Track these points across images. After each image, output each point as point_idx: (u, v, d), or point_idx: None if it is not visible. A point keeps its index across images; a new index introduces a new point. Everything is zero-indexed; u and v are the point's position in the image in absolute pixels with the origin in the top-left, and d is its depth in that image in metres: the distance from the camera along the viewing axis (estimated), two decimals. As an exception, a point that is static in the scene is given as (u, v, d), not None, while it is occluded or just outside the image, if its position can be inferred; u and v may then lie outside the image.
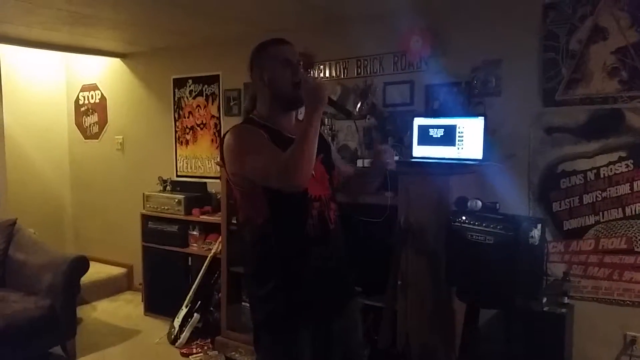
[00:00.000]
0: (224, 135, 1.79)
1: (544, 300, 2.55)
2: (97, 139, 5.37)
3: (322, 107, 1.63)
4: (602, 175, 2.77)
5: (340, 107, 1.91)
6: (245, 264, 1.97)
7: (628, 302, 2.73)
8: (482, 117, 2.86)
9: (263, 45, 1.84)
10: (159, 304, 4.40)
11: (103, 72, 5.26)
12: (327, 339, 1.85)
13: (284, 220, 1.75)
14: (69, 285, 3.59)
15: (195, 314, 3.93)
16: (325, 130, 3.50)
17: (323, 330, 1.84)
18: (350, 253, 1.94)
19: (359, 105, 3.54)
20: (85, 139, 5.49)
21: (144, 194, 4.53)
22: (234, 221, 3.64)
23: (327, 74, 3.75)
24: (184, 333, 3.88)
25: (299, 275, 1.77)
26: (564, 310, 2.57)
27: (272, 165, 1.61)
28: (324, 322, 1.84)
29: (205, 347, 3.78)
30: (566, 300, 2.66)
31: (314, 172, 1.75)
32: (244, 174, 1.75)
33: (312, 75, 1.81)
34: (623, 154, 2.71)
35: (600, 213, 2.78)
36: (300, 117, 1.77)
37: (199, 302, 3.99)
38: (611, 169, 2.74)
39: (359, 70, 3.62)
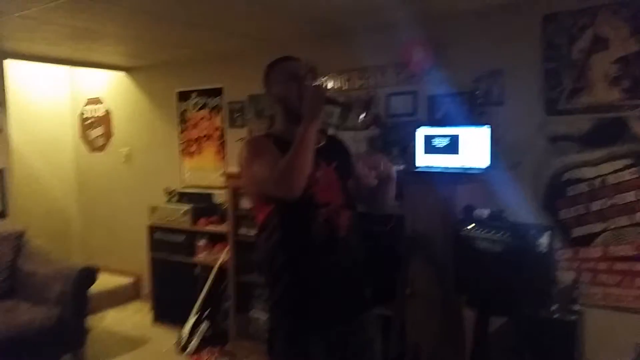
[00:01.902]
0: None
1: (554, 307, 2.57)
2: (103, 151, 5.41)
3: (318, 118, 1.68)
4: (608, 183, 2.79)
5: (336, 102, 1.94)
6: (261, 270, 2.00)
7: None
8: (488, 126, 2.88)
9: (272, 64, 1.93)
10: (167, 313, 4.42)
11: (107, 86, 5.30)
12: (342, 351, 1.86)
13: (291, 226, 1.79)
14: (78, 295, 3.61)
15: (204, 322, 3.95)
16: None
17: (336, 342, 1.85)
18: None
19: (362, 116, 3.57)
20: (90, 151, 5.52)
21: (150, 205, 4.56)
22: (244, 232, 3.69)
23: (330, 86, 3.78)
24: (193, 341, 3.90)
25: (306, 282, 1.80)
26: (573, 317, 2.57)
27: (269, 171, 1.67)
28: (336, 331, 1.85)
29: (215, 355, 3.80)
30: (576, 307, 2.66)
31: (322, 180, 1.81)
32: (250, 182, 1.83)
33: (314, 84, 1.83)
34: (628, 162, 2.73)
35: (608, 220, 2.79)
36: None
37: (208, 310, 4.01)
38: (617, 176, 2.76)
39: (362, 82, 3.66)
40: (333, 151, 1.92)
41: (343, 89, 3.73)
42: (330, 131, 3.53)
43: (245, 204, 3.73)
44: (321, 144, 1.84)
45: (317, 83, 1.90)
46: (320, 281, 1.80)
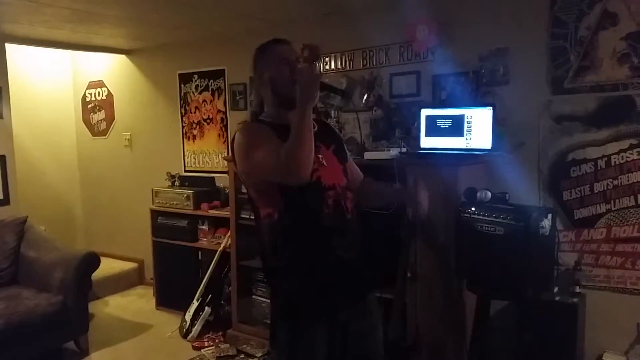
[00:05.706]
0: (234, 136, 1.82)
1: (556, 290, 2.54)
2: (105, 135, 5.39)
3: (313, 100, 1.64)
4: (613, 163, 2.74)
5: (331, 88, 1.91)
6: (265, 259, 1.93)
7: (641, 290, 2.71)
8: (491, 107, 2.83)
9: (262, 47, 1.89)
10: (170, 298, 4.44)
11: (109, 69, 5.27)
12: (344, 338, 1.84)
13: (299, 212, 1.76)
14: (81, 281, 3.62)
15: (206, 308, 3.95)
16: (332, 123, 3.47)
17: (340, 328, 1.83)
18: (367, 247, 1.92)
19: (365, 97, 3.52)
20: (93, 135, 5.51)
21: (153, 189, 4.55)
22: (246, 215, 3.66)
23: (333, 66, 3.74)
24: (196, 327, 3.90)
25: (318, 267, 1.78)
26: (575, 299, 2.56)
27: (273, 160, 1.63)
28: (341, 315, 1.83)
29: (217, 340, 3.81)
30: (578, 289, 2.65)
31: (325, 162, 1.79)
32: (252, 171, 1.78)
33: (307, 67, 1.79)
34: (634, 142, 2.67)
35: (612, 201, 2.75)
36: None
37: (210, 295, 4.01)
38: (622, 156, 2.71)
39: (365, 62, 3.60)
40: (327, 135, 1.91)
41: (346, 69, 3.67)
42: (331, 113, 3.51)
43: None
44: (315, 129, 1.80)
45: (312, 65, 1.85)
46: (332, 266, 1.78)
